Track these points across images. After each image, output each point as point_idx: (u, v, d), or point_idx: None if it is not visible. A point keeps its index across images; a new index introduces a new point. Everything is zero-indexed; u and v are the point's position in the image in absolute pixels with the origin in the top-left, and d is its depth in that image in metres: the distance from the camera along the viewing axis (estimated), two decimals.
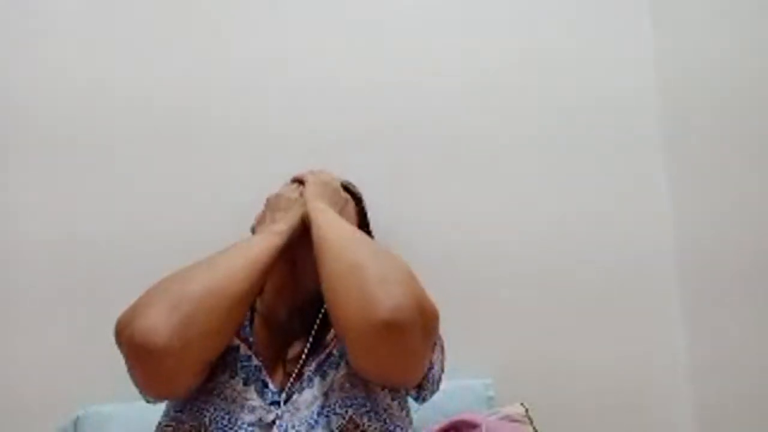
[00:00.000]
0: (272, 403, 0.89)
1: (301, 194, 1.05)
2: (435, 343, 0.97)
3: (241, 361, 0.93)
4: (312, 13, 1.57)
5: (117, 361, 0.98)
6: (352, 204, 1.16)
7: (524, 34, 1.60)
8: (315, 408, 0.87)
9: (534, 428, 1.23)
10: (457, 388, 1.29)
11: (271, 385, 0.91)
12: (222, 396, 0.88)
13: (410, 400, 1.00)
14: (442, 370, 1.01)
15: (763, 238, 1.30)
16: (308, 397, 0.89)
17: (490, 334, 1.46)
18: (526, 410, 1.26)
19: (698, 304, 1.49)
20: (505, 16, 1.60)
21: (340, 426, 0.83)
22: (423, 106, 1.54)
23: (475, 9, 1.60)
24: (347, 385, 0.87)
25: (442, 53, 1.57)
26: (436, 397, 1.25)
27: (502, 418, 1.16)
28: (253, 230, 1.11)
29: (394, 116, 1.53)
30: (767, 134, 1.29)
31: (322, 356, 0.93)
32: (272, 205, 1.06)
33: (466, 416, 1.04)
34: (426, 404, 1.24)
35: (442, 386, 1.16)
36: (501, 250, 1.51)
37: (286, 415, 0.87)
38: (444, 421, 1.11)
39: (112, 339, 1.10)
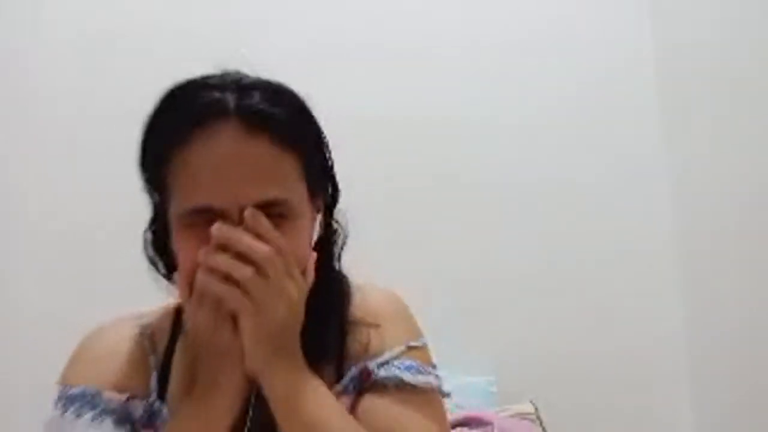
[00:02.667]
0: None
1: (236, 322, 0.69)
2: None
3: None
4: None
5: None
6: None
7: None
8: None
9: (543, 427, 1.22)
10: (459, 384, 1.27)
11: None
12: None
13: None
14: None
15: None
16: None
17: (493, 333, 1.45)
18: (536, 408, 1.24)
19: (699, 303, 1.47)
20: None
21: None
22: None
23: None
24: None
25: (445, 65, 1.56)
26: None
27: (512, 416, 1.15)
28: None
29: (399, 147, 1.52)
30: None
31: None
32: (205, 348, 0.73)
33: (477, 413, 1.02)
34: None
35: (445, 382, 1.13)
36: (501, 251, 1.50)
37: None
38: (453, 415, 1.09)
39: None
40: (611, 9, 1.59)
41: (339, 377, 0.77)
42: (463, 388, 1.30)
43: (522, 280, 1.49)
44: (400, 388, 0.75)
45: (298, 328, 0.70)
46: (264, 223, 0.66)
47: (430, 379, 0.77)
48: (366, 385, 0.76)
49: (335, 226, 0.81)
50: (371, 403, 0.75)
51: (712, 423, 1.43)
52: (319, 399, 0.72)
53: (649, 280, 1.51)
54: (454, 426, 1.00)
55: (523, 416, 1.17)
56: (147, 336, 0.80)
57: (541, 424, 1.23)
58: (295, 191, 0.70)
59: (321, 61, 1.51)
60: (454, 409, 1.05)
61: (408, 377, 0.76)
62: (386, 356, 0.77)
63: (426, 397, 0.77)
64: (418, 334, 0.82)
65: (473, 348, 1.43)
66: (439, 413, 0.78)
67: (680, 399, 1.48)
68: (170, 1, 1.53)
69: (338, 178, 0.79)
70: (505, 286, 1.48)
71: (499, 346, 1.45)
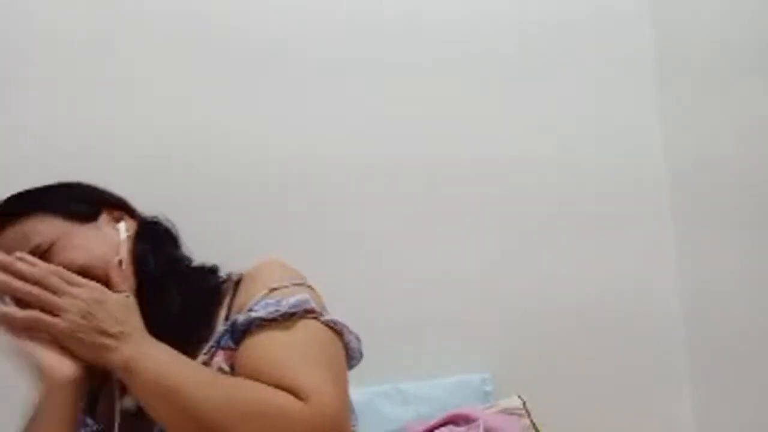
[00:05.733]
0: None
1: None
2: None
3: None
4: None
5: None
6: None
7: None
8: None
9: (531, 421, 1.24)
10: (454, 383, 1.29)
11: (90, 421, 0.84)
12: None
13: None
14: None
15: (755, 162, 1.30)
16: None
17: (488, 330, 1.46)
18: (524, 402, 1.26)
19: (698, 303, 1.49)
20: None
21: None
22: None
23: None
24: None
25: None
26: (433, 392, 1.26)
27: (499, 412, 1.17)
28: None
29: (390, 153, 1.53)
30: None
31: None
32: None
33: (464, 410, 1.05)
34: (423, 399, 1.24)
35: (440, 381, 1.16)
36: (498, 248, 1.51)
37: None
38: (441, 415, 1.11)
39: None
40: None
41: None
42: (458, 387, 1.32)
43: (519, 278, 1.50)
44: (259, 326, 0.80)
45: (103, 314, 0.76)
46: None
47: (281, 307, 0.81)
48: (237, 338, 0.81)
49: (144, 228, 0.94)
50: (241, 348, 0.80)
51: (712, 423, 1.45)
52: (154, 356, 0.75)
53: (648, 278, 1.52)
54: (441, 424, 1.03)
55: (510, 411, 1.19)
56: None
57: (529, 417, 1.25)
58: (45, 232, 0.86)
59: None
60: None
61: (260, 314, 0.80)
62: (249, 305, 0.82)
63: (284, 325, 0.80)
64: (282, 278, 0.86)
65: (468, 345, 1.45)
66: (299, 335, 0.81)
67: (680, 399, 1.49)
68: None
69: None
70: (501, 284, 1.49)
71: (494, 343, 1.46)
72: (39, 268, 0.76)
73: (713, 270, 1.44)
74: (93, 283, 0.78)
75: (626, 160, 1.56)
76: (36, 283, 0.75)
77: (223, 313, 0.88)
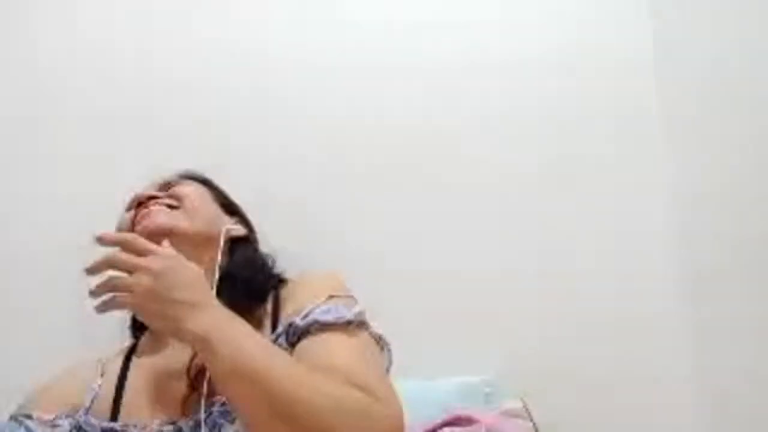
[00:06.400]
0: None
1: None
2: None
3: None
4: None
5: None
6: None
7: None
8: None
9: (533, 423, 1.23)
10: (455, 384, 1.29)
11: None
12: None
13: None
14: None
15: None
16: None
17: (489, 331, 1.46)
18: (525, 405, 1.26)
19: (699, 304, 1.48)
20: None
21: None
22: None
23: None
24: None
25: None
26: (434, 393, 1.25)
27: (500, 414, 1.16)
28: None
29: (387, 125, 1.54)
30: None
31: (216, 407, 0.83)
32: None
33: (466, 412, 1.04)
34: (423, 400, 1.23)
35: (440, 382, 1.15)
36: (497, 249, 1.51)
37: None
38: (442, 416, 1.11)
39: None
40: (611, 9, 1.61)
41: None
42: (459, 388, 1.31)
43: (519, 278, 1.50)
44: (320, 329, 0.84)
45: (177, 281, 0.76)
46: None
47: (345, 313, 0.86)
48: (293, 338, 0.86)
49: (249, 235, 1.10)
50: (299, 347, 0.84)
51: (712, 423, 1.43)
52: (231, 330, 0.75)
53: (648, 280, 1.52)
54: (442, 426, 1.02)
55: (511, 413, 1.18)
56: (102, 362, 0.97)
57: (531, 419, 1.24)
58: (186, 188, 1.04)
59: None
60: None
61: (324, 317, 0.85)
62: (308, 308, 0.87)
63: (346, 331, 0.85)
64: (339, 288, 0.93)
65: (469, 346, 1.44)
66: (361, 342, 0.86)
67: (680, 399, 1.47)
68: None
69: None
70: (502, 285, 1.49)
71: (495, 344, 1.45)
72: (108, 252, 0.77)
73: (713, 270, 1.44)
74: (168, 251, 0.81)
75: (625, 162, 1.56)
76: (108, 264, 0.76)
77: (269, 308, 0.93)
